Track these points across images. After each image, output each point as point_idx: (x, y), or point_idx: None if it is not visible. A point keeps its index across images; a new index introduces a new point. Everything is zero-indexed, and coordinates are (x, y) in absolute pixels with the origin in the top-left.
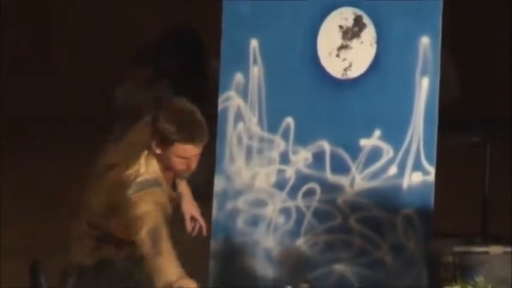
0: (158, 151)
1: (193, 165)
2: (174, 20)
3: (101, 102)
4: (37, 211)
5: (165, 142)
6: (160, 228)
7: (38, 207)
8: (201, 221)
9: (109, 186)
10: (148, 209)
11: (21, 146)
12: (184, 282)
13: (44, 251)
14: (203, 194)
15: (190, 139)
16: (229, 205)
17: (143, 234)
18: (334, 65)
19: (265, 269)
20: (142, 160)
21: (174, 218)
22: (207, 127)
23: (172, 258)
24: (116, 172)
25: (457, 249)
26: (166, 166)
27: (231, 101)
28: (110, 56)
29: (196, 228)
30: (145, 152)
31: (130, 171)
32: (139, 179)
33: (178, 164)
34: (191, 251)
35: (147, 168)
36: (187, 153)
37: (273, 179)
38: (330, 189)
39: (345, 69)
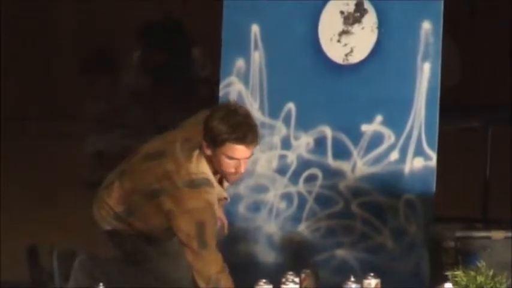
0: (208, 152)
1: (242, 169)
2: (175, 6)
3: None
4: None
5: (216, 141)
6: (209, 224)
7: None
8: (225, 220)
9: (152, 174)
10: (198, 206)
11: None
12: (222, 276)
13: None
14: None
15: (240, 139)
16: (230, 191)
17: (192, 227)
18: (335, 51)
19: (267, 255)
20: (194, 159)
21: None
22: (259, 132)
23: (216, 254)
24: (161, 163)
25: (458, 234)
26: (215, 167)
27: (232, 86)
28: (112, 49)
29: (220, 227)
30: (197, 151)
31: (182, 167)
32: (192, 177)
33: (228, 165)
34: None
35: (197, 167)
36: (237, 154)
37: (274, 164)
38: (332, 174)
39: (346, 55)
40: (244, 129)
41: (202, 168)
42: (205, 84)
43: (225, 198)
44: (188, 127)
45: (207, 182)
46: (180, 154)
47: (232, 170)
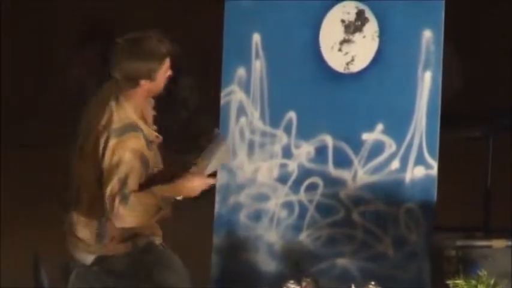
0: (146, 86)
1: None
2: (176, 16)
3: None
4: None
5: (155, 69)
6: (133, 175)
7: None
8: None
9: (91, 150)
10: (123, 158)
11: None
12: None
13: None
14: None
15: (166, 54)
16: (231, 199)
17: (115, 183)
18: (336, 59)
19: (267, 263)
20: (112, 109)
21: (176, 215)
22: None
23: (135, 211)
24: (89, 138)
25: (459, 243)
26: (158, 89)
27: (233, 95)
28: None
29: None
30: (113, 102)
31: (103, 123)
32: (117, 125)
33: (163, 81)
34: (194, 245)
35: (119, 114)
36: (167, 64)
37: (275, 173)
38: (333, 183)
39: (347, 63)
40: (162, 41)
41: (123, 114)
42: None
43: (157, 137)
44: (100, 95)
45: (132, 127)
46: (98, 116)
47: (169, 73)
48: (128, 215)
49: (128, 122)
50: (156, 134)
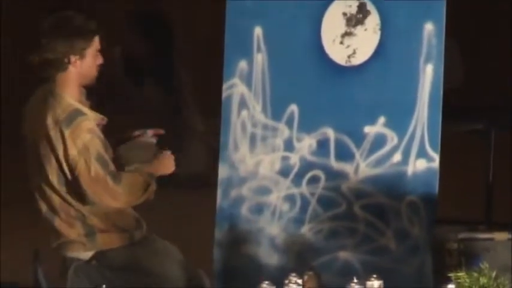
0: (79, 66)
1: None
2: (178, 9)
3: None
4: None
5: (84, 46)
6: (105, 155)
7: None
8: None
9: (45, 151)
10: (86, 141)
11: None
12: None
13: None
14: (207, 181)
15: (87, 29)
16: (233, 193)
17: (93, 166)
18: (338, 52)
19: (269, 257)
20: (52, 103)
21: (178, 208)
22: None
23: (129, 184)
24: (41, 139)
25: (461, 236)
26: (90, 76)
27: (235, 88)
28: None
29: None
30: (50, 98)
31: (48, 121)
32: (63, 116)
33: (95, 67)
34: (196, 239)
35: (60, 107)
36: (96, 46)
37: (277, 166)
38: (335, 176)
39: (349, 56)
40: (78, 17)
41: (65, 103)
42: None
43: (102, 119)
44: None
45: (78, 112)
46: (39, 112)
47: (101, 61)
48: (124, 193)
49: (72, 109)
50: (102, 116)
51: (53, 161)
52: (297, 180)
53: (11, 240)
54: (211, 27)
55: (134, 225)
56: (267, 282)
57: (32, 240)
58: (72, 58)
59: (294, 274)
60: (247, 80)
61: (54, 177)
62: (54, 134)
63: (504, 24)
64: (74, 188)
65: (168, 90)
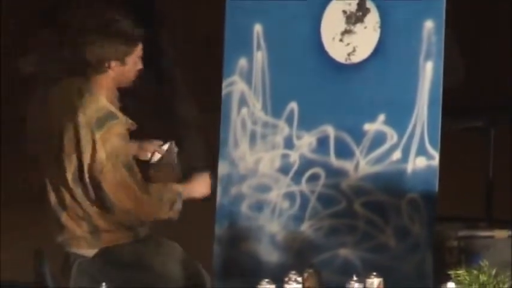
0: (118, 69)
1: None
2: (177, 6)
3: None
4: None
5: (125, 54)
6: (134, 163)
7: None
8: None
9: (72, 146)
10: (116, 146)
11: None
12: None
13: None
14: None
15: (130, 35)
16: (233, 190)
17: (122, 173)
18: (337, 50)
19: (269, 254)
20: (85, 103)
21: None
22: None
23: (160, 192)
24: (68, 134)
25: (461, 233)
26: (127, 80)
27: (234, 86)
28: None
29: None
30: (83, 96)
31: (81, 118)
32: (96, 116)
33: (133, 71)
34: (196, 236)
35: (93, 107)
36: (139, 53)
37: (277, 163)
38: (334, 173)
39: (349, 54)
40: (122, 21)
41: (99, 104)
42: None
43: (132, 124)
44: (58, 92)
45: (112, 115)
46: (81, 103)
47: (140, 66)
48: (149, 204)
49: (106, 112)
50: (131, 121)
51: (75, 159)
52: (297, 177)
53: (11, 239)
54: (211, 24)
55: (139, 223)
56: (267, 279)
57: (32, 239)
58: (113, 63)
59: (293, 272)
60: (247, 78)
61: (69, 174)
62: (83, 133)
63: (504, 23)
64: (93, 190)
65: (167, 87)
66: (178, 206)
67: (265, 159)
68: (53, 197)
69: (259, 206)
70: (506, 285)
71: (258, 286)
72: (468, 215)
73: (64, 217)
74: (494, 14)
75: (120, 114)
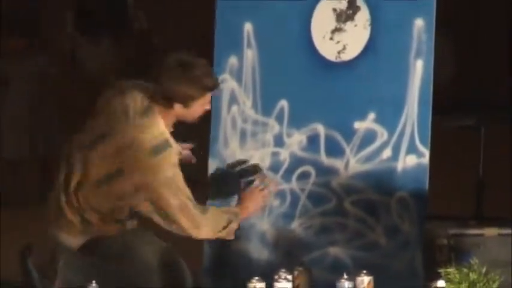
0: (180, 111)
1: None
2: (168, 4)
3: None
4: None
5: (193, 98)
6: (186, 187)
7: None
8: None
9: (109, 153)
10: (168, 175)
11: None
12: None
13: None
14: (198, 177)
15: (215, 83)
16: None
17: (180, 198)
18: (328, 48)
19: (259, 252)
20: (149, 123)
21: None
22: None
23: (215, 212)
24: (110, 141)
25: (451, 231)
26: (191, 117)
27: (225, 84)
28: None
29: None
30: (146, 117)
31: (137, 137)
32: (153, 143)
33: (203, 109)
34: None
35: (154, 131)
36: (208, 98)
37: (267, 161)
38: (325, 172)
39: (339, 52)
40: (209, 75)
41: (159, 130)
42: None
43: (180, 153)
44: (118, 97)
45: (168, 143)
46: (136, 123)
47: (208, 107)
48: (206, 225)
49: (163, 139)
50: (180, 149)
51: (113, 169)
52: (287, 175)
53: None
54: (201, 23)
55: (128, 216)
56: (257, 277)
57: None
58: (177, 105)
59: (284, 270)
60: (238, 76)
61: (95, 176)
62: (134, 154)
63: (498, 20)
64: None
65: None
66: (234, 226)
67: (256, 157)
68: (63, 176)
69: None
70: (496, 283)
71: (248, 284)
72: (458, 213)
73: (63, 200)
74: (485, 11)
75: (173, 142)
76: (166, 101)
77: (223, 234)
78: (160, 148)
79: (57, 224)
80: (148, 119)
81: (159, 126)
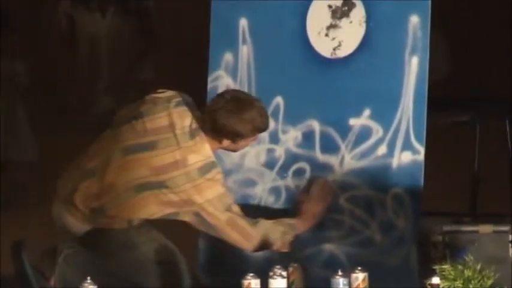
0: (226, 144)
1: None
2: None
3: None
4: None
5: (241, 135)
6: (233, 207)
7: None
8: None
9: (145, 166)
10: (220, 191)
11: None
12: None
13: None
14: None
15: (265, 126)
16: None
17: (228, 213)
18: (323, 45)
19: None
20: (199, 145)
21: None
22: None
23: (262, 224)
24: (157, 154)
25: (446, 228)
26: (237, 150)
27: (220, 80)
28: None
29: None
30: (197, 138)
31: (189, 156)
32: (201, 164)
33: (244, 146)
34: (181, 230)
35: (203, 153)
36: (257, 136)
37: (262, 158)
38: (320, 168)
39: (334, 49)
40: (263, 117)
41: (207, 152)
42: None
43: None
44: (159, 114)
45: (214, 165)
46: (183, 143)
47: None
48: (257, 237)
49: (209, 161)
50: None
51: (155, 179)
52: (283, 172)
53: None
54: (197, 19)
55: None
56: (251, 274)
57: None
58: (225, 140)
59: (278, 266)
60: (233, 72)
61: (136, 180)
62: (180, 173)
63: (491, 16)
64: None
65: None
66: (289, 237)
67: (251, 153)
68: (98, 161)
69: (244, 201)
70: (490, 280)
71: (243, 280)
72: (453, 210)
73: (87, 184)
74: (480, 7)
75: (217, 163)
76: (216, 133)
77: (277, 246)
78: (206, 169)
79: (66, 207)
80: (195, 142)
81: (206, 150)
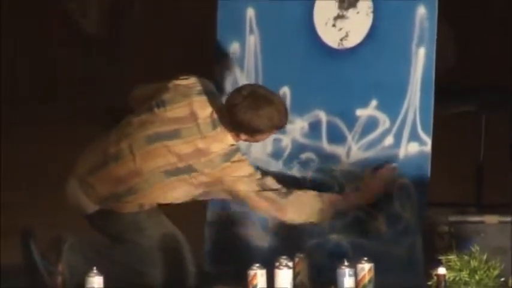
0: (244, 137)
1: None
2: None
3: None
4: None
5: (259, 131)
6: (263, 181)
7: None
8: None
9: (172, 153)
10: (249, 171)
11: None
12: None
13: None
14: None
15: (283, 123)
16: None
17: (261, 191)
18: (330, 35)
19: (260, 239)
20: (221, 135)
21: None
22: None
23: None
24: (183, 142)
25: (452, 218)
26: (256, 141)
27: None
28: None
29: None
30: (219, 128)
31: (212, 144)
32: (225, 151)
33: (263, 139)
34: (187, 219)
35: (226, 142)
36: (275, 132)
37: (269, 148)
38: (326, 158)
39: (341, 39)
40: (281, 114)
41: (229, 141)
42: None
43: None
44: (180, 103)
45: (237, 149)
46: (205, 133)
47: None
48: (289, 208)
49: (234, 147)
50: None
51: (182, 165)
52: (289, 162)
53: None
54: (204, 9)
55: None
56: (258, 264)
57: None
58: (243, 134)
59: (284, 256)
60: (240, 62)
61: (165, 167)
62: (205, 160)
63: (498, 5)
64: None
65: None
66: (326, 215)
67: (257, 143)
68: (128, 148)
69: None
70: (496, 271)
71: (249, 271)
72: (459, 200)
73: (112, 167)
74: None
75: (240, 148)
76: (234, 127)
77: (314, 218)
78: (231, 154)
79: (81, 186)
80: (217, 132)
81: (229, 138)
